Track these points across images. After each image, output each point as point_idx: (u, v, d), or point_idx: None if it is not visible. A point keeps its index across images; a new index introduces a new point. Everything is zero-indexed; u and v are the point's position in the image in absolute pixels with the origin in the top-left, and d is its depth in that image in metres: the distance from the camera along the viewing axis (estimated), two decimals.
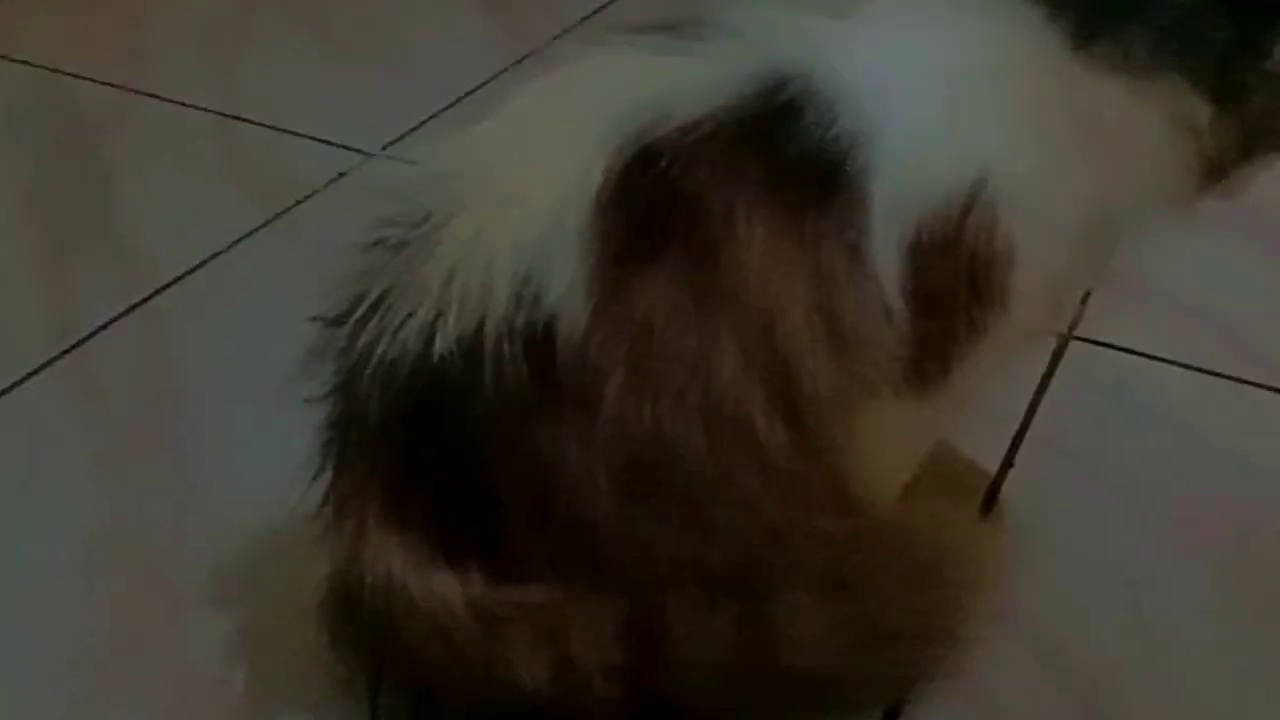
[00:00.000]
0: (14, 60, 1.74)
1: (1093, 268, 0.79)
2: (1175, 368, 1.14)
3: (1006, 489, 1.03)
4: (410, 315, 0.72)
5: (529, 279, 0.71)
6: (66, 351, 1.20)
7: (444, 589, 0.74)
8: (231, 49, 1.76)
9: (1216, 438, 1.07)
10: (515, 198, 0.72)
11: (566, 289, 0.70)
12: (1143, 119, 0.74)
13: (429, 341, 0.71)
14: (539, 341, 0.70)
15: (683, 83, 0.73)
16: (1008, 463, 1.05)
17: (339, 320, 0.76)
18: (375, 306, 0.74)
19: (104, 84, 1.67)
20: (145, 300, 1.26)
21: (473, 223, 0.72)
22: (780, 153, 0.72)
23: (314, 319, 0.77)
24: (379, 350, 0.73)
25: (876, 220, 0.73)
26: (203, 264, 1.31)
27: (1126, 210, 0.77)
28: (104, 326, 1.23)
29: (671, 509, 0.73)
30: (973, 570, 0.84)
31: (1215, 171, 0.77)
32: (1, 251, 1.36)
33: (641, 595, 0.75)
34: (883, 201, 0.72)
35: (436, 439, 0.73)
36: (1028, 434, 1.08)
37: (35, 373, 1.18)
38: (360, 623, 0.77)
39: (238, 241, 1.34)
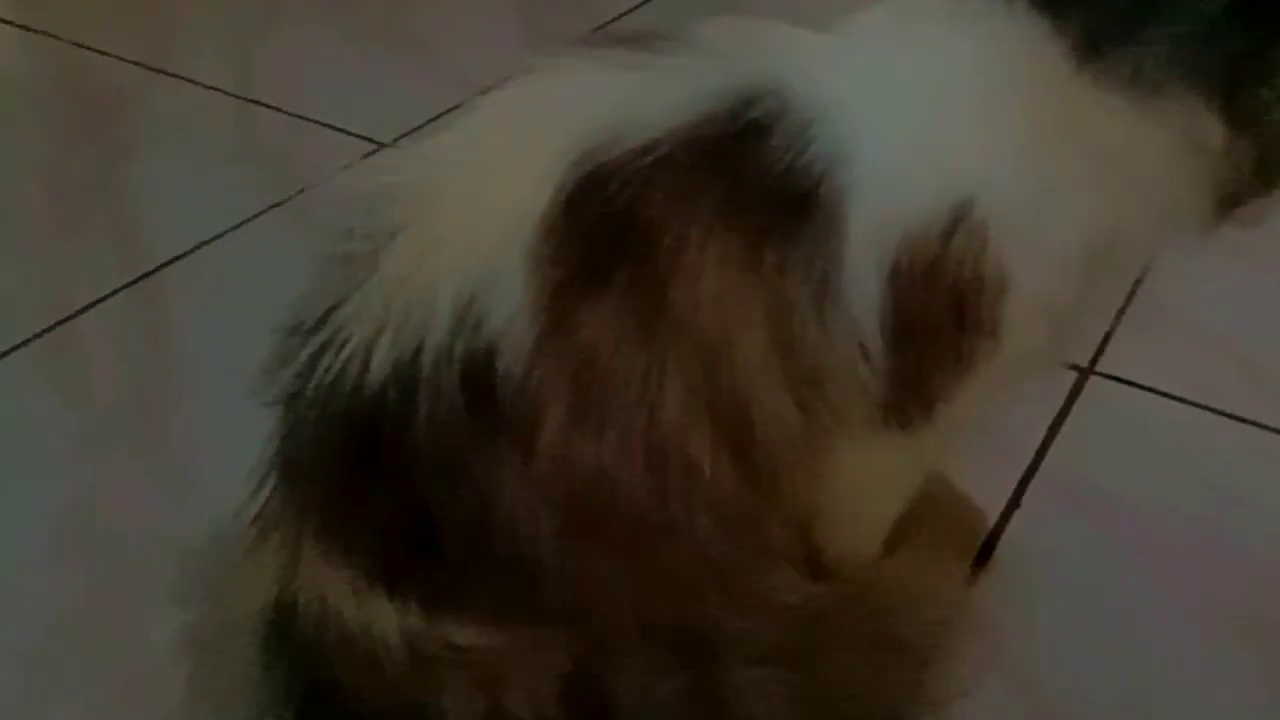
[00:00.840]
0: (37, 32, 1.72)
1: (1097, 297, 0.74)
2: (1199, 410, 1.09)
3: (1010, 531, 0.98)
4: (350, 335, 0.69)
5: (471, 303, 0.67)
6: (54, 327, 1.18)
7: (380, 620, 0.71)
8: (257, 33, 1.73)
9: (1240, 487, 1.02)
10: (462, 217, 0.69)
11: (509, 315, 0.66)
12: (1151, 139, 0.69)
13: (367, 364, 0.68)
14: (478, 370, 0.67)
15: (643, 100, 0.69)
16: (1014, 503, 1.00)
17: (294, 331, 0.73)
18: (321, 322, 0.70)
19: (125, 61, 1.65)
20: (139, 279, 1.24)
21: (417, 242, 0.69)
22: (744, 176, 0.67)
23: (275, 330, 0.74)
24: (321, 368, 0.70)
25: (853, 248, 0.68)
26: (201, 246, 1.28)
27: (1133, 237, 0.73)
28: (95, 304, 1.20)
29: (614, 553, 0.70)
30: (949, 641, 0.81)
31: (1230, 197, 0.72)
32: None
33: (585, 651, 0.71)
34: (861, 227, 0.68)
35: (374, 464, 0.70)
36: (1038, 473, 1.03)
37: (19, 346, 1.15)
38: (291, 647, 0.74)
39: (240, 225, 1.31)
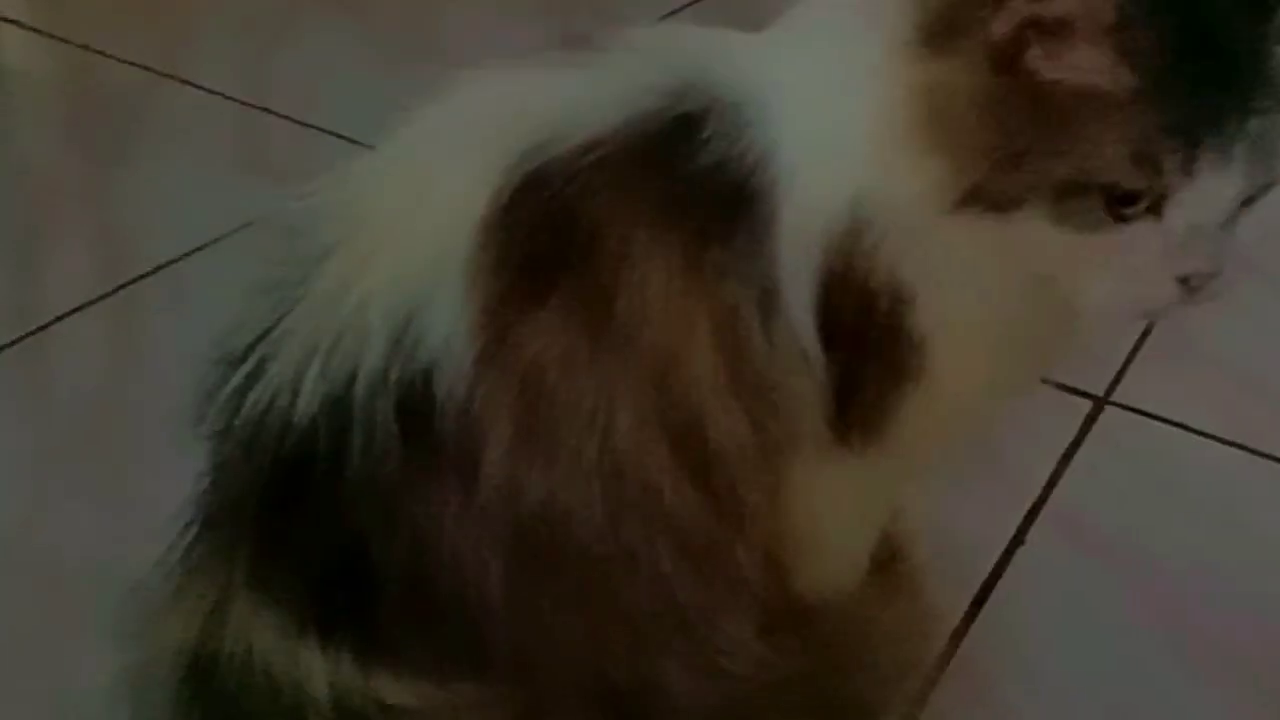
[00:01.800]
0: (48, 35, 1.70)
1: (1043, 318, 0.67)
2: (1220, 444, 1.03)
3: (1011, 570, 0.92)
4: (277, 366, 0.65)
5: (408, 323, 0.63)
6: (23, 338, 1.14)
7: (309, 671, 0.67)
8: (269, 40, 1.70)
9: (1261, 527, 0.96)
10: (396, 230, 0.65)
11: (447, 334, 0.62)
12: None
13: (295, 396, 0.64)
14: (415, 396, 0.63)
15: (579, 100, 0.65)
16: (1018, 540, 0.94)
17: (223, 363, 0.69)
18: (247, 353, 0.67)
19: (134, 65, 1.62)
20: (117, 290, 1.20)
21: (348, 261, 0.65)
22: (681, 172, 0.64)
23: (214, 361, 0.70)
24: (248, 402, 0.66)
25: (785, 247, 0.64)
26: (187, 255, 1.24)
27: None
28: (68, 314, 1.17)
29: (566, 591, 0.65)
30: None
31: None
32: None
33: (521, 714, 0.67)
34: (790, 227, 0.64)
35: (305, 504, 0.65)
36: (1045, 507, 0.97)
37: None
38: (208, 698, 0.69)
39: (229, 234, 1.26)
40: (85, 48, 1.66)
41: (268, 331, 0.66)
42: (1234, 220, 0.61)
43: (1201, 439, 1.03)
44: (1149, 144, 0.57)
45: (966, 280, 0.64)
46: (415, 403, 0.63)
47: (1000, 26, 0.58)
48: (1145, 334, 1.09)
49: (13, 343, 1.13)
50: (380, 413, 0.63)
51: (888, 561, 0.82)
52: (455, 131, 0.67)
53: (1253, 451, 1.02)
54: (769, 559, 0.71)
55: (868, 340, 0.65)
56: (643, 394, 0.64)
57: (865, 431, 0.68)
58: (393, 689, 0.67)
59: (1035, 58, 0.58)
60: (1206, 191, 0.58)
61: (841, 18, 0.66)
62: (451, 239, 0.63)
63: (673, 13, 1.73)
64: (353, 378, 0.63)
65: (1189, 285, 0.61)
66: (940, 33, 0.60)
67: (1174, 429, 1.04)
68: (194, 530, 0.71)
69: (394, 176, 0.68)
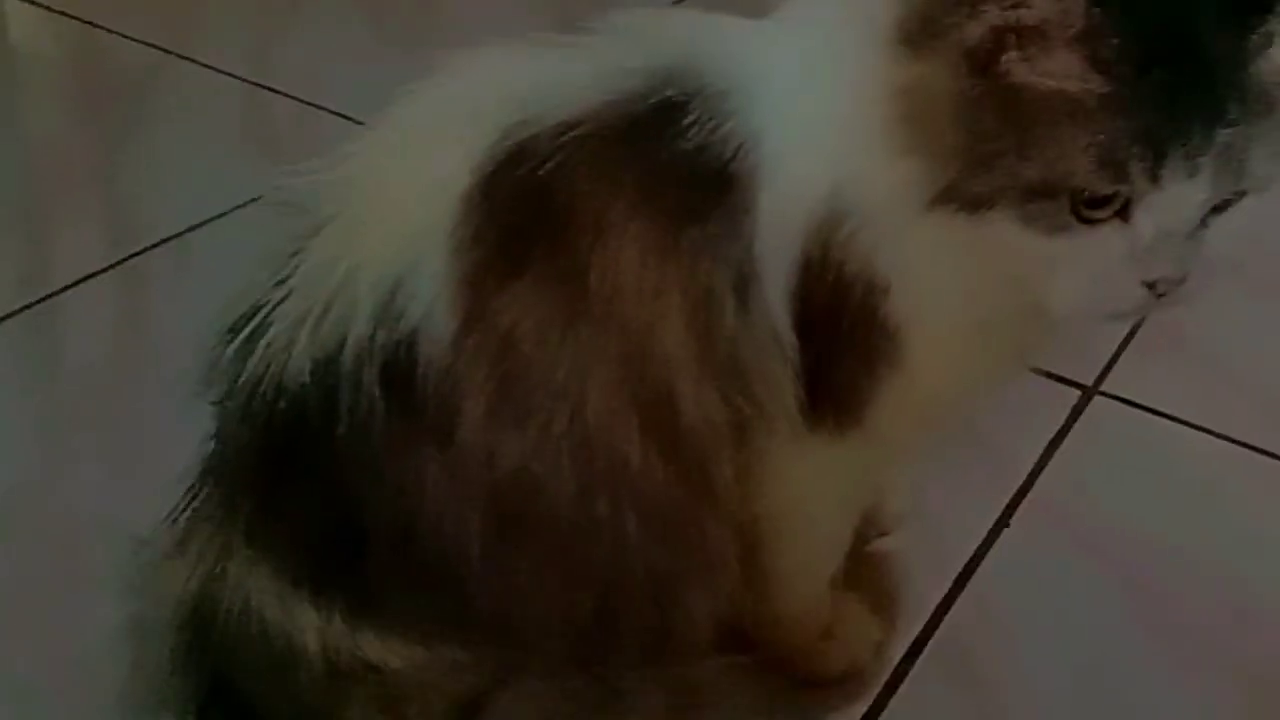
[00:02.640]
0: (54, 11, 1.71)
1: (1019, 314, 0.67)
2: (1206, 435, 1.04)
3: (995, 552, 0.94)
4: (273, 332, 0.67)
5: (393, 293, 0.65)
6: (33, 304, 1.16)
7: (301, 625, 0.69)
8: (278, 20, 1.72)
9: (1240, 516, 0.97)
10: (387, 204, 0.67)
11: (429, 304, 0.64)
12: None
13: (288, 360, 0.66)
14: (399, 362, 0.65)
15: (565, 80, 0.67)
16: (1003, 522, 0.96)
17: (229, 330, 0.71)
18: (247, 320, 0.69)
19: (141, 43, 1.63)
20: (124, 260, 1.22)
21: (341, 233, 0.67)
22: (660, 154, 0.65)
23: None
24: (247, 367, 0.68)
25: (764, 231, 0.65)
26: (193, 229, 1.26)
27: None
28: (78, 282, 1.19)
29: (540, 554, 0.67)
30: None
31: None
32: None
33: (495, 676, 0.69)
34: (770, 210, 0.65)
35: (298, 465, 0.68)
36: (1030, 493, 0.99)
37: None
38: (206, 646, 0.72)
39: (235, 209, 1.28)
40: (95, 26, 1.67)
41: (267, 300, 0.69)
42: (1203, 227, 0.61)
43: (1187, 429, 1.05)
44: (1116, 150, 0.57)
45: (941, 274, 0.65)
46: (399, 369, 0.65)
47: (974, 31, 0.59)
48: (1136, 327, 1.10)
49: (23, 309, 1.15)
50: (366, 377, 0.65)
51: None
52: (444, 109, 0.69)
53: (1237, 443, 1.03)
54: (743, 540, 0.73)
55: (842, 327, 0.66)
56: (614, 367, 0.65)
57: (841, 417, 0.69)
58: (377, 648, 0.69)
59: (1008, 62, 0.59)
60: (1174, 198, 0.58)
61: (831, 12, 0.67)
62: (436, 212, 0.65)
63: (677, 0, 1.75)
64: (342, 344, 0.65)
65: (1155, 290, 0.61)
66: (919, 33, 0.61)
67: (1160, 419, 1.05)
68: (198, 487, 0.73)
69: (385, 153, 0.70)
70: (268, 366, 0.67)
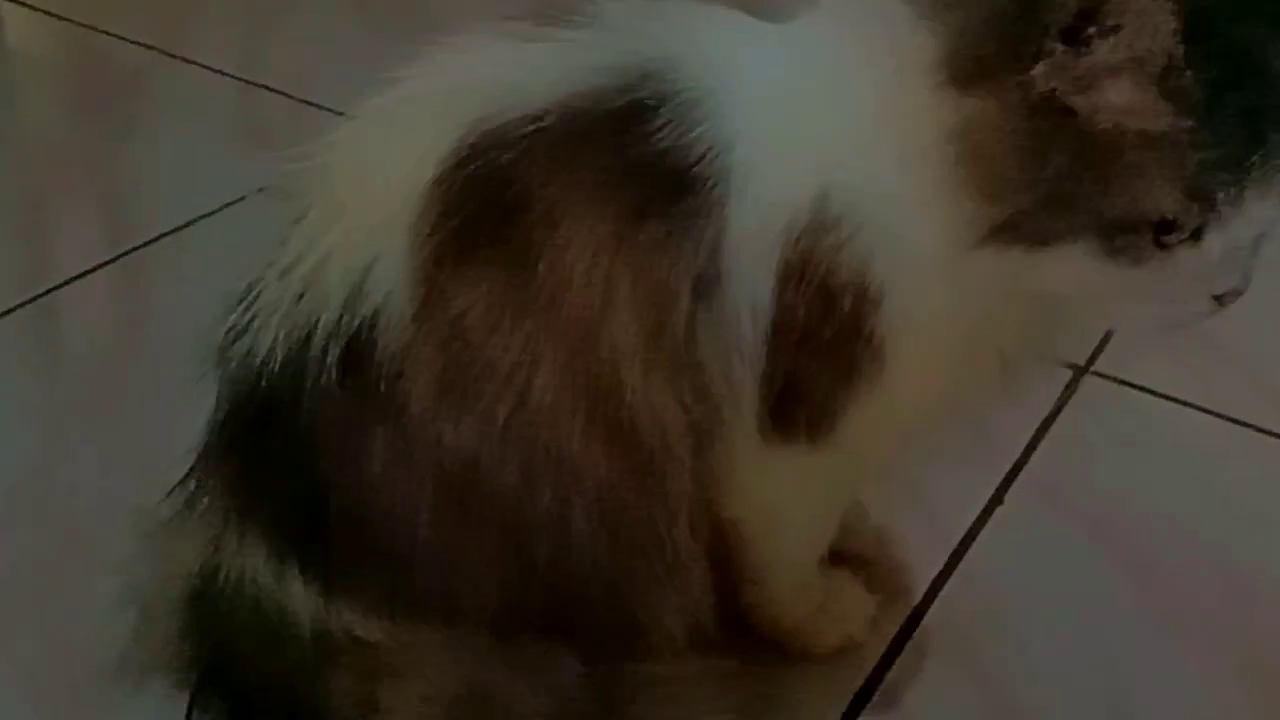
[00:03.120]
0: (51, 14, 1.72)
1: (1016, 323, 0.67)
2: (1198, 413, 1.05)
3: (989, 529, 0.94)
4: (257, 319, 0.69)
5: (362, 279, 0.66)
6: (33, 299, 1.17)
7: (292, 598, 0.71)
8: (270, 19, 1.73)
9: (1232, 493, 0.98)
10: (359, 192, 0.68)
11: (389, 289, 0.65)
12: None
13: (272, 345, 0.68)
14: (359, 346, 0.66)
15: (536, 74, 0.67)
16: (996, 499, 0.97)
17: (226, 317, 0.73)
18: (239, 308, 0.71)
19: (136, 44, 1.64)
20: (123, 255, 1.23)
21: (318, 221, 0.68)
22: (624, 152, 0.65)
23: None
24: (237, 351, 0.70)
25: (732, 236, 0.65)
26: (189, 224, 1.27)
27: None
28: (77, 277, 1.20)
29: (486, 542, 0.68)
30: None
31: None
32: None
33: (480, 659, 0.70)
34: (742, 216, 0.65)
35: (275, 444, 0.69)
36: (1023, 471, 0.99)
37: None
38: (207, 616, 0.74)
39: (228, 205, 1.29)
40: (90, 28, 1.68)
41: (255, 284, 0.71)
42: (1265, 235, 0.61)
43: (1179, 406, 1.05)
44: (1202, 182, 0.57)
45: (950, 295, 0.64)
46: (358, 350, 0.66)
47: (1043, 78, 0.57)
48: None
49: (25, 303, 1.16)
50: (329, 360, 0.66)
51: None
52: (417, 100, 0.69)
53: (1229, 419, 1.04)
54: (724, 539, 0.74)
55: (823, 336, 0.66)
56: (561, 355, 0.65)
57: (813, 427, 0.69)
58: (360, 623, 0.70)
59: (1081, 105, 0.58)
60: (1247, 215, 0.59)
61: (843, 34, 0.66)
62: (402, 201, 0.66)
63: None
64: (313, 329, 0.66)
65: (1222, 301, 0.62)
66: (969, 70, 0.59)
67: (1152, 397, 1.06)
68: (200, 466, 0.75)
69: (360, 143, 0.71)
70: (251, 350, 0.69)
